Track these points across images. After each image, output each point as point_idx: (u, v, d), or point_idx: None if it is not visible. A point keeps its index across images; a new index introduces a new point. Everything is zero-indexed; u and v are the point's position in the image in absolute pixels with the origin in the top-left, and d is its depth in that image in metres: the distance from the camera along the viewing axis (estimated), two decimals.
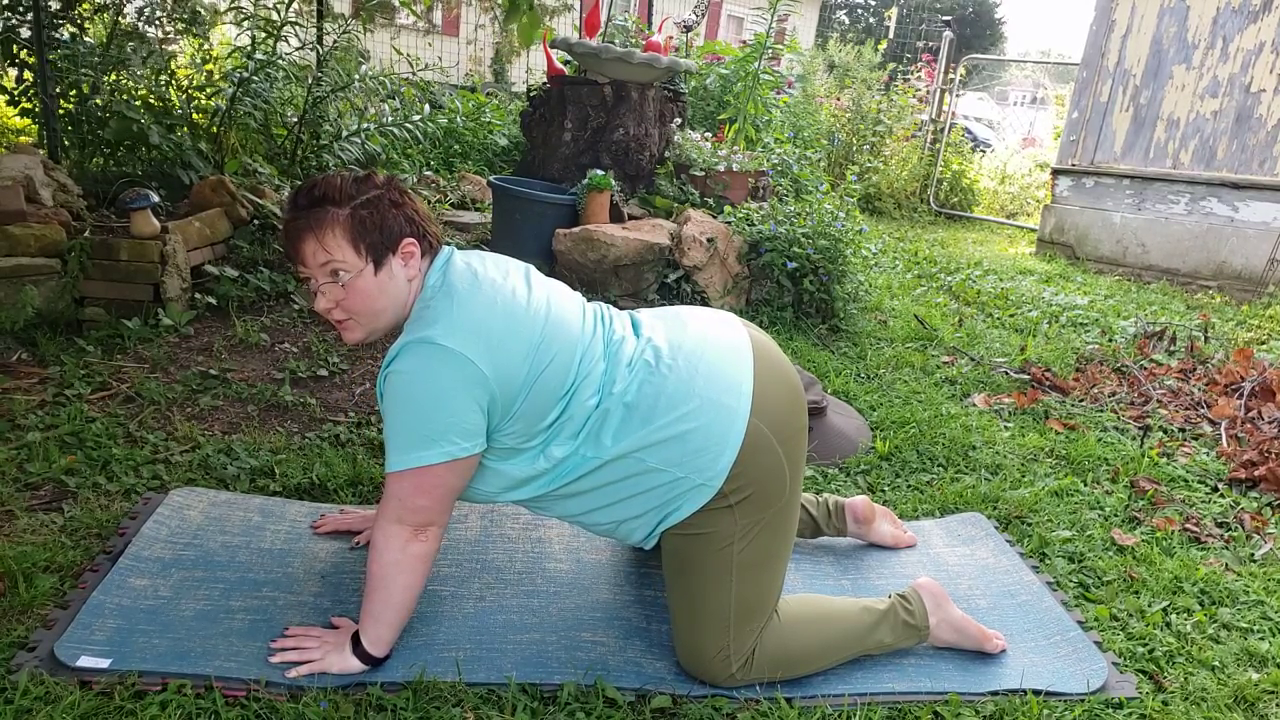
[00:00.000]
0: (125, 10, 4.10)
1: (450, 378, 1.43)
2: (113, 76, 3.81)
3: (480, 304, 1.49)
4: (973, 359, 3.77)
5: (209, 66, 4.32)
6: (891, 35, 11.95)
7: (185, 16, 4.21)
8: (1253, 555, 2.31)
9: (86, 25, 3.95)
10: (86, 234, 2.92)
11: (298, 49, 4.43)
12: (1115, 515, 2.47)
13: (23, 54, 3.58)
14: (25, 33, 3.55)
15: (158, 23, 4.20)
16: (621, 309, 1.78)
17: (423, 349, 1.44)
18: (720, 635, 1.57)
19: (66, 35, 3.74)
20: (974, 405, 3.27)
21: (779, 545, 1.62)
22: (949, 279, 5.44)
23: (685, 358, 1.59)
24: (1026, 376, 3.55)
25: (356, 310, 1.54)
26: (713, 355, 1.60)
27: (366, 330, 1.57)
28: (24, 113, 3.81)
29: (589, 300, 1.73)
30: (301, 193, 1.53)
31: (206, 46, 4.28)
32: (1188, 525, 2.44)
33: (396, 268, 1.54)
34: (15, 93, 3.71)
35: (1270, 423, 3.13)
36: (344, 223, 1.50)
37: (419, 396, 1.44)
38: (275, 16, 3.97)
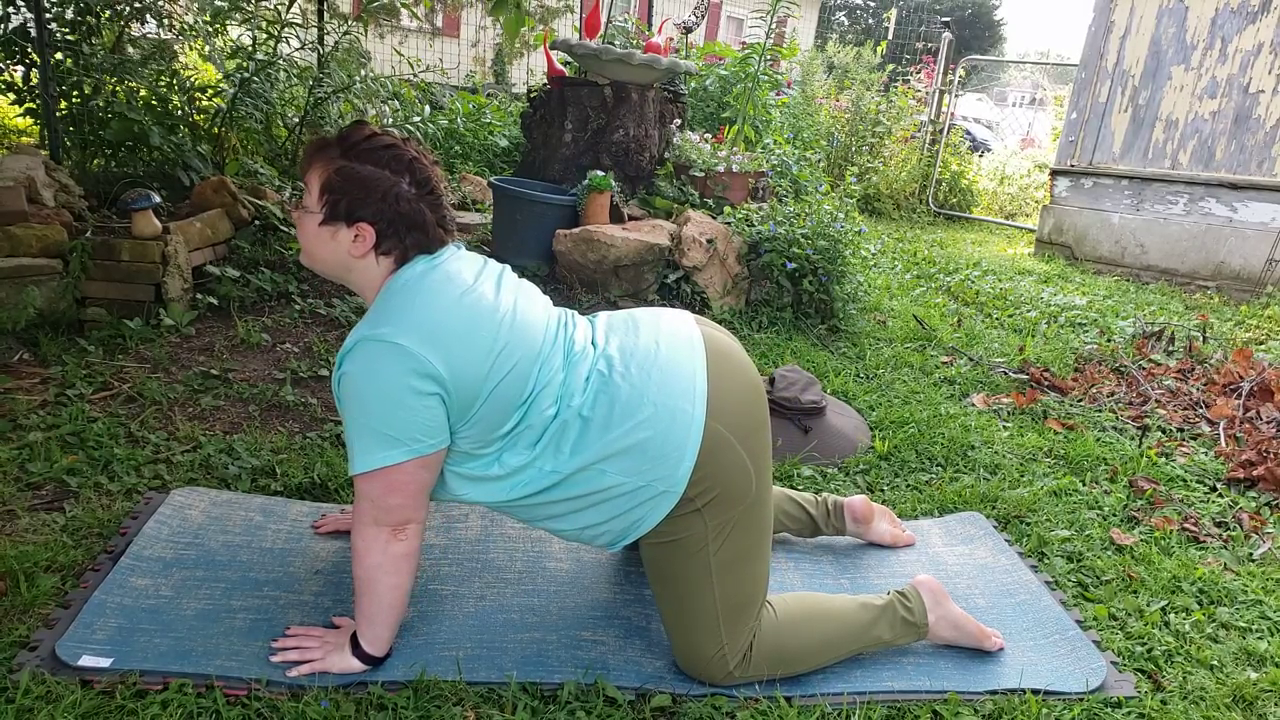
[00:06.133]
0: (146, 19, 4.11)
1: (404, 376, 1.42)
2: (117, 84, 3.81)
3: (442, 304, 1.48)
4: (971, 359, 3.78)
5: (213, 76, 4.32)
6: (891, 36, 11.95)
7: (206, 20, 4.22)
8: (1251, 555, 2.32)
9: (103, 31, 3.95)
10: (88, 234, 2.92)
11: (299, 49, 4.44)
12: (1114, 515, 2.48)
13: (32, 54, 3.59)
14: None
15: (166, 25, 4.21)
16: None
17: (373, 347, 1.43)
18: (713, 637, 1.57)
19: (76, 39, 3.74)
20: (973, 405, 3.27)
21: (755, 540, 1.61)
22: (948, 279, 5.45)
23: (638, 365, 1.57)
24: (1025, 376, 3.55)
25: (300, 237, 1.61)
26: (665, 359, 1.58)
27: (307, 260, 1.63)
28: (27, 113, 3.82)
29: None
30: (345, 129, 1.59)
31: (209, 49, 4.28)
32: (1186, 525, 2.45)
33: (342, 237, 1.53)
34: (23, 91, 3.72)
35: (1269, 423, 3.14)
36: (326, 168, 1.53)
37: (376, 396, 1.42)
38: (278, 15, 3.98)
